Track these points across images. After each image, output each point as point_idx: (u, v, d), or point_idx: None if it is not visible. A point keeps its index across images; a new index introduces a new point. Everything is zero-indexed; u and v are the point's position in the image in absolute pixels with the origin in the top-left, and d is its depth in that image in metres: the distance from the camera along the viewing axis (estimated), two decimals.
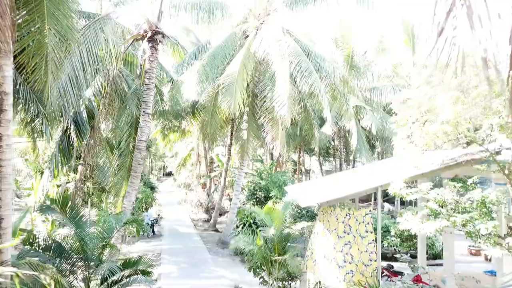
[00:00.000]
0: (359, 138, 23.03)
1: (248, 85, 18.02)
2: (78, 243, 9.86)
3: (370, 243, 11.09)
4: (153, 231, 22.64)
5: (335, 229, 11.27)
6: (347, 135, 27.53)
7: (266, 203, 21.98)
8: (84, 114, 12.42)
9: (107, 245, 9.97)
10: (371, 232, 11.11)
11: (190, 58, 19.47)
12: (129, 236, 20.16)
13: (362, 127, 24.55)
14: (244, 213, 16.78)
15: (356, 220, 11.20)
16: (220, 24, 18.69)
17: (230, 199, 25.88)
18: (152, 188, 17.01)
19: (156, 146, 41.37)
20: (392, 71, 29.46)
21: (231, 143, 22.44)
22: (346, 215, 11.27)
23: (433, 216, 10.04)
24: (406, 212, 10.45)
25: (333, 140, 28.35)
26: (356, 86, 20.06)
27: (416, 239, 16.85)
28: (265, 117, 17.41)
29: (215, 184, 32.29)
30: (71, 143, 12.01)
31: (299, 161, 35.89)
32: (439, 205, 9.91)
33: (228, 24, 18.66)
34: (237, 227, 18.16)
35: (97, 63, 9.50)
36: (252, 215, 16.01)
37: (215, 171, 32.51)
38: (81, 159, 13.42)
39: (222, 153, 32.69)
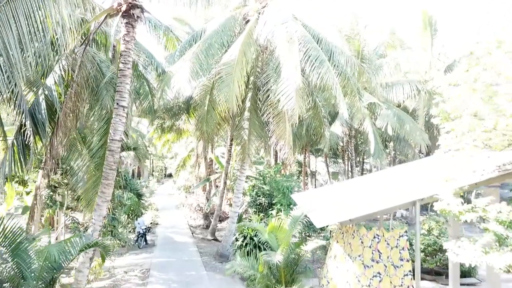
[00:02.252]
0: (376, 142, 20.10)
1: (249, 77, 15.19)
2: (16, 279, 7.13)
3: (407, 274, 8.21)
4: (145, 241, 19.86)
5: (359, 256, 8.39)
6: (358, 135, 24.66)
7: (270, 211, 19.23)
8: (43, 107, 9.61)
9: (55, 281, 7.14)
10: (408, 261, 8.22)
11: (183, 48, 16.64)
12: (114, 249, 17.38)
13: (377, 127, 21.62)
14: (243, 228, 13.94)
15: (388, 244, 8.31)
16: (217, 8, 15.88)
17: (231, 204, 23.08)
18: (139, 196, 14.31)
19: (154, 147, 38.74)
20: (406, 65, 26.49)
21: (231, 144, 19.64)
22: (374, 237, 8.39)
23: (497, 243, 7.21)
24: (456, 239, 7.60)
25: (343, 141, 25.48)
26: (370, 80, 17.16)
27: (445, 253, 14.05)
28: (269, 113, 14.57)
29: (216, 187, 29.46)
30: (27, 142, 9.22)
31: (304, 162, 33.01)
32: (505, 226, 7.10)
33: (226, 7, 15.83)
34: (236, 240, 15.33)
35: (42, 35, 6.71)
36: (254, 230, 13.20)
37: (216, 172, 29.69)
38: (43, 162, 10.66)
39: (222, 154, 29.94)
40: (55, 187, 12.66)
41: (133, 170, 42.91)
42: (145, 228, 19.75)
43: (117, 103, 9.73)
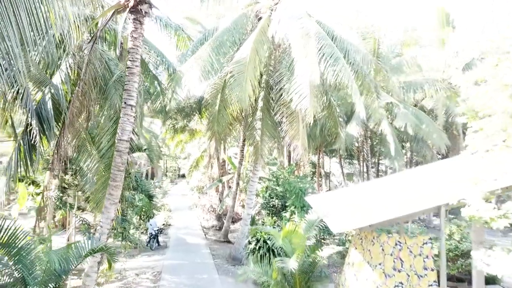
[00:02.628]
0: (396, 144, 19.33)
1: (261, 75, 14.67)
2: (18, 285, 6.77)
3: (431, 285, 7.57)
4: (157, 242, 19.53)
5: (379, 264, 7.79)
6: (373, 136, 23.88)
7: (283, 213, 18.69)
8: (50, 106, 9.27)
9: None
10: (432, 270, 7.58)
11: (195, 47, 16.21)
12: (125, 251, 17.07)
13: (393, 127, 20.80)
14: (256, 232, 13.42)
15: (411, 252, 7.69)
16: (228, 5, 15.42)
17: (244, 206, 22.60)
18: (150, 197, 13.93)
19: (167, 147, 38.58)
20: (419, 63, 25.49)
21: (243, 144, 19.17)
22: (396, 244, 7.78)
23: None
24: (482, 246, 6.93)
25: (358, 141, 24.71)
26: (387, 78, 16.44)
27: (467, 258, 13.27)
28: (282, 112, 14.03)
29: (229, 187, 29.03)
30: (33, 142, 8.89)
31: (318, 163, 32.32)
32: None
33: (237, 1, 15.35)
34: (249, 243, 14.81)
35: (44, 32, 6.31)
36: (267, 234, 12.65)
37: (229, 173, 29.26)
38: (50, 163, 10.36)
39: (235, 155, 29.47)
40: (64, 188, 12.38)
41: (146, 170, 42.86)
42: (157, 230, 19.43)
43: (125, 102, 9.33)
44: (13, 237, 6.75)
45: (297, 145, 13.46)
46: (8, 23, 5.95)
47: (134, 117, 10.16)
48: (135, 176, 13.12)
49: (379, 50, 20.25)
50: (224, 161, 27.65)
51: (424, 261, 7.56)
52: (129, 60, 9.39)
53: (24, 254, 6.68)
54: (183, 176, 46.53)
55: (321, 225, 9.81)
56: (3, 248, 6.40)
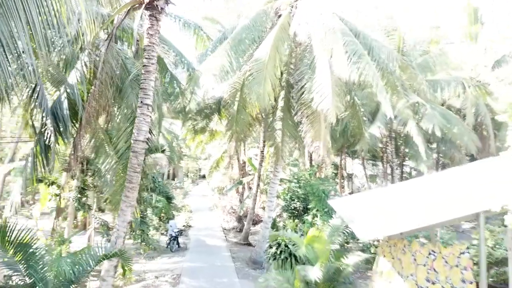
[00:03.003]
0: (425, 147, 18.42)
1: (282, 73, 14.13)
2: None
3: None
4: (177, 244, 19.24)
5: (411, 275, 7.13)
6: (398, 136, 22.90)
7: (305, 216, 18.05)
8: (65, 105, 9.02)
9: None
10: (471, 283, 6.84)
11: (214, 47, 15.83)
12: (145, 253, 16.85)
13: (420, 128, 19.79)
14: (277, 236, 12.86)
15: (446, 262, 6.98)
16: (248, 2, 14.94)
17: (264, 208, 22.09)
18: (169, 199, 13.61)
19: (188, 148, 38.48)
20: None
21: (263, 145, 18.68)
22: (430, 253, 7.09)
23: None
24: None
25: (382, 142, 23.76)
26: (415, 75, 15.56)
27: (502, 266, 12.31)
28: (302, 112, 13.45)
29: (250, 188, 28.55)
30: (49, 143, 8.66)
31: (341, 164, 31.49)
32: None
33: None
34: (270, 247, 14.26)
35: (56, 27, 6.01)
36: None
37: (249, 174, 28.82)
38: (67, 163, 10.15)
39: (255, 156, 29.00)
40: (83, 189, 12.20)
41: (168, 171, 42.95)
42: (177, 231, 19.15)
43: (141, 101, 8.99)
44: (25, 240, 6.47)
45: (319, 146, 12.85)
46: (18, 20, 5.65)
47: (150, 116, 9.84)
48: (153, 177, 12.82)
49: (404, 48, 19.32)
50: (244, 162, 27.22)
51: (462, 273, 6.83)
52: (145, 58, 9.05)
53: (36, 258, 6.39)
54: (204, 176, 46.42)
55: (346, 231, 9.19)
56: (15, 252, 6.12)
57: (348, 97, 14.93)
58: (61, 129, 9.03)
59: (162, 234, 20.21)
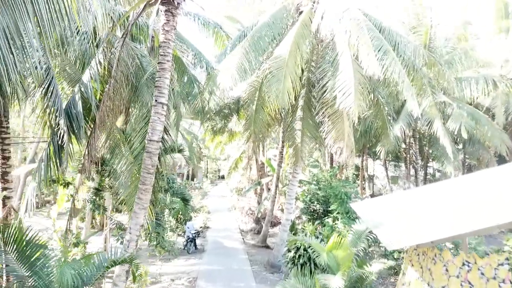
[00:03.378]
0: (452, 147, 17.51)
1: (302, 71, 13.57)
2: None
3: None
4: (194, 245, 18.95)
5: (443, 287, 6.49)
6: (422, 137, 21.97)
7: (325, 219, 17.43)
8: (79, 105, 8.78)
9: None
10: None
11: (233, 45, 15.44)
12: (160, 255, 16.58)
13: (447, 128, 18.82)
14: (295, 241, 12.33)
15: (482, 274, 6.31)
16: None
17: (283, 210, 21.56)
18: (185, 200, 13.25)
19: (208, 149, 38.36)
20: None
21: (282, 145, 18.16)
22: (464, 264, 6.44)
23: None
24: None
25: (405, 143, 22.85)
26: (443, 73, 14.70)
27: None
28: (324, 111, 12.87)
29: (268, 189, 28.04)
30: (62, 143, 8.43)
31: (362, 166, 30.59)
32: None
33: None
34: (289, 251, 13.74)
35: (70, 23, 5.75)
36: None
37: (268, 175, 28.32)
38: (81, 164, 9.92)
39: (274, 157, 28.50)
40: (98, 190, 12.01)
41: (187, 172, 42.97)
42: (194, 233, 18.87)
43: (156, 100, 8.65)
44: (30, 247, 6.17)
45: (342, 146, 12.25)
46: (26, 16, 5.36)
47: (166, 116, 9.51)
48: (168, 178, 12.50)
49: (431, 44, 18.41)
50: (263, 163, 26.76)
51: (500, 286, 6.16)
52: (161, 54, 8.70)
53: (41, 264, 6.08)
54: (223, 177, 46.23)
55: (370, 237, 8.60)
56: (18, 258, 5.83)
57: (371, 95, 14.26)
58: (75, 129, 8.79)
59: (179, 235, 19.98)
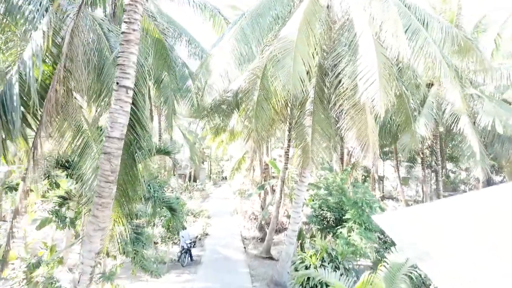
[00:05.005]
0: (481, 148, 14.89)
1: (313, 56, 11.01)
2: None
3: None
4: (190, 257, 16.44)
5: None
6: (442, 135, 19.30)
7: (338, 228, 14.85)
8: (15, 92, 6.27)
9: None
10: None
11: (231, 29, 12.91)
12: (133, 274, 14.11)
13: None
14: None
15: None
16: None
17: (289, 216, 19.00)
18: (172, 210, 10.73)
19: (209, 149, 35.89)
20: None
21: (288, 145, 15.60)
22: None
23: None
24: None
25: (422, 142, 20.14)
26: (482, 60, 12.02)
27: None
28: (341, 104, 10.27)
29: (273, 191, 25.42)
30: None
31: (373, 166, 27.91)
32: None
33: None
34: (296, 270, 11.17)
35: None
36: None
37: (273, 177, 25.72)
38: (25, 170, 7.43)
39: (279, 157, 25.95)
40: (64, 199, 9.56)
41: (190, 173, 40.50)
42: (190, 242, 16.35)
43: (117, 82, 6.14)
44: None
45: (364, 146, 9.66)
46: None
47: (140, 106, 7.03)
48: (149, 185, 10.01)
49: (458, 24, 15.68)
50: (267, 164, 24.17)
51: None
52: (125, 21, 6.18)
53: None
54: (226, 178, 43.71)
55: (415, 273, 6.04)
56: None
57: (393, 84, 11.65)
58: (10, 124, 6.29)
59: (174, 243, 17.48)
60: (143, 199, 9.83)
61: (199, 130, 34.98)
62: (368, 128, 9.62)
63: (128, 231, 8.84)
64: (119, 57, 6.21)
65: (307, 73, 10.01)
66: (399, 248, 6.57)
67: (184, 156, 34.71)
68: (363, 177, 35.38)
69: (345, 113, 10.08)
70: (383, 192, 34.20)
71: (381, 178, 35.24)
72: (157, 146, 11.02)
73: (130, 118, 8.10)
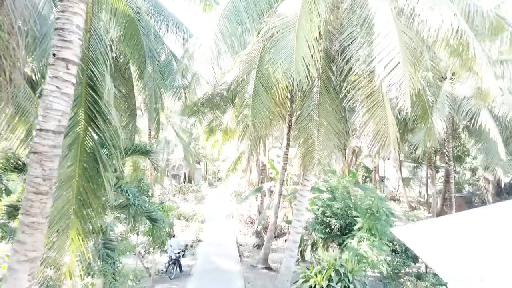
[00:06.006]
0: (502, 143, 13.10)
1: (318, 37, 9.11)
2: None
3: None
4: (179, 268, 14.55)
5: None
6: (461, 130, 17.54)
7: (346, 238, 13.04)
8: None
9: None
10: None
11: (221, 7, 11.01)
12: (138, 281, 12.24)
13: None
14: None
15: None
16: None
17: (289, 222, 17.14)
18: (153, 221, 8.89)
19: (204, 148, 34.00)
20: None
21: (288, 144, 13.76)
22: None
23: None
24: None
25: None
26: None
27: None
28: (354, 94, 8.40)
29: (271, 192, 23.49)
30: None
31: (375, 167, 26.18)
32: None
33: None
34: None
35: None
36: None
37: (271, 178, 23.86)
38: None
39: (278, 157, 24.14)
40: (15, 209, 7.59)
41: (184, 174, 38.54)
42: (179, 252, 14.44)
43: (54, 54, 4.26)
44: None
45: (384, 142, 7.82)
46: None
47: (75, 84, 5.14)
48: (126, 192, 8.11)
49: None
50: (264, 165, 22.31)
51: None
52: None
53: None
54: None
55: None
56: None
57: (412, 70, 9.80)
58: None
59: (164, 251, 15.56)
60: (112, 208, 7.92)
61: (192, 128, 33.11)
62: (388, 120, 7.77)
63: (94, 249, 6.96)
64: (57, 18, 4.33)
65: (312, 56, 8.15)
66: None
67: (177, 156, 32.75)
68: (364, 177, 33.66)
69: (360, 105, 8.21)
70: (384, 193, 32.44)
71: (382, 179, 33.52)
72: (134, 145, 9.12)
73: (89, 108, 6.25)
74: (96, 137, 6.20)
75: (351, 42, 8.71)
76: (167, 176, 30.95)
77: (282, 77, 7.56)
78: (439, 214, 22.43)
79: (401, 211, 25.93)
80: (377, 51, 7.68)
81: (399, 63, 7.27)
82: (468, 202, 27.93)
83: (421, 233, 7.90)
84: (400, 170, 29.06)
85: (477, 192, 28.57)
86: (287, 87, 8.38)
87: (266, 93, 8.65)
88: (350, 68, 8.64)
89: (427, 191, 29.61)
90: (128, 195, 8.24)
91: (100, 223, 7.33)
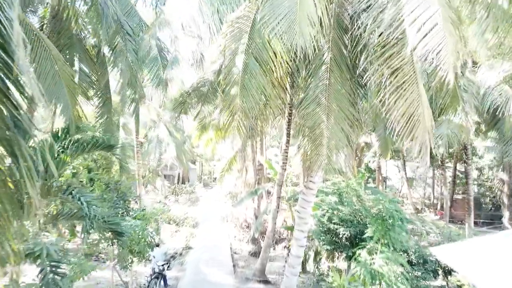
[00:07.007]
0: None
1: (325, 6, 7.06)
2: None
3: None
4: (164, 282, 12.44)
5: None
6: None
7: (352, 249, 10.97)
8: None
9: None
10: None
11: None
12: None
13: None
14: None
15: None
16: None
17: (288, 228, 15.08)
18: (117, 233, 6.98)
19: (197, 147, 31.89)
20: None
21: (287, 141, 11.73)
22: None
23: None
24: None
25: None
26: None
27: None
28: (375, 70, 6.35)
29: (269, 193, 21.42)
30: None
31: (379, 166, 24.18)
32: None
33: None
34: None
35: None
36: None
37: (269, 179, 21.82)
38: None
39: (276, 156, 22.12)
40: None
41: (178, 174, 36.45)
42: (163, 264, 12.33)
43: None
44: None
45: (417, 132, 5.77)
46: None
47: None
48: (79, 199, 6.05)
49: None
50: (261, 165, 20.26)
51: None
52: None
53: None
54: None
55: None
56: None
57: None
58: None
59: (148, 260, 13.44)
60: (56, 220, 5.86)
61: (184, 126, 31.00)
62: (422, 100, 5.71)
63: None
64: None
65: (320, 21, 6.10)
66: None
67: (170, 155, 30.67)
68: (366, 177, 31.66)
69: (387, 82, 6.12)
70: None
71: (384, 179, 31.58)
72: (94, 139, 7.07)
73: None
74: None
75: (370, 5, 6.66)
76: (159, 176, 28.84)
77: (280, 43, 5.50)
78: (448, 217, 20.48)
79: (408, 213, 23.93)
80: (408, 10, 5.66)
81: (437, 24, 5.26)
82: (477, 204, 25.96)
83: (462, 251, 5.89)
84: (404, 170, 27.09)
85: (486, 193, 26.63)
86: (286, 62, 6.31)
87: (260, 68, 6.56)
88: (369, 40, 6.59)
89: (433, 192, 27.61)
90: (82, 203, 6.17)
91: (34, 242, 5.26)
